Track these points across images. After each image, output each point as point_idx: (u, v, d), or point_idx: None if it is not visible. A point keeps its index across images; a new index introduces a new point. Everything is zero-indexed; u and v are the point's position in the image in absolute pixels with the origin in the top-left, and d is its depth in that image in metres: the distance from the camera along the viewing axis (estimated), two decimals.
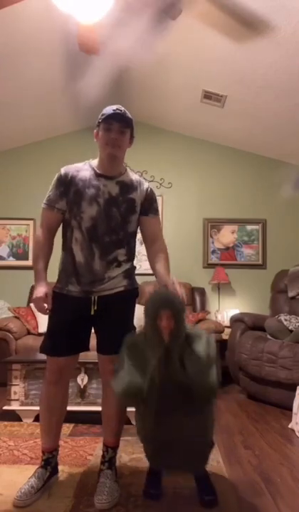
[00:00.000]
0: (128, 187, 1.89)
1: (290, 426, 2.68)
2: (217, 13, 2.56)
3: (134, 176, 1.96)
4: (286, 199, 4.57)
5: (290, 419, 2.72)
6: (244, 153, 4.79)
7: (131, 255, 1.93)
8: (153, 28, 2.66)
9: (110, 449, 1.88)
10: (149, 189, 1.96)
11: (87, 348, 1.89)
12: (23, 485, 1.76)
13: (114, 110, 1.80)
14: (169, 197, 4.74)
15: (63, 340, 1.83)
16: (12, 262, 4.73)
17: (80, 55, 2.83)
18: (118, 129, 1.81)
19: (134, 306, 1.95)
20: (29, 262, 4.70)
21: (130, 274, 1.92)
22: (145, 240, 1.97)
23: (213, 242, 4.73)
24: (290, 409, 2.73)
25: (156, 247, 1.95)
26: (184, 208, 4.77)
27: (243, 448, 2.35)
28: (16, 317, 3.97)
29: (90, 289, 1.83)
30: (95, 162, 1.92)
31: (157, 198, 2.06)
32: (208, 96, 3.84)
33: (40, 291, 1.83)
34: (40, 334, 3.85)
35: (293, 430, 2.61)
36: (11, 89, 3.72)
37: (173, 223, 4.71)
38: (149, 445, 1.76)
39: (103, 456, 1.89)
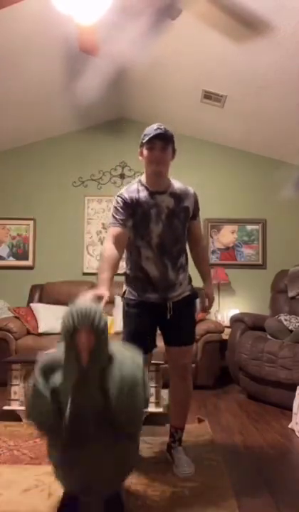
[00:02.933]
0: (180, 196, 2.06)
1: (290, 426, 2.68)
2: (217, 13, 2.56)
3: (178, 184, 2.12)
4: (286, 199, 4.56)
5: (290, 419, 2.72)
6: (244, 153, 4.78)
7: (187, 257, 2.15)
8: (152, 28, 2.66)
9: (179, 431, 2.15)
10: (195, 194, 2.15)
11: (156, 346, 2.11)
12: None
13: (155, 130, 1.94)
14: None
15: (147, 340, 2.03)
16: (12, 262, 4.73)
17: (79, 55, 2.83)
18: (160, 147, 1.96)
19: (196, 305, 2.24)
20: (29, 262, 4.72)
21: (190, 279, 2.16)
22: (190, 242, 2.19)
23: (213, 242, 4.73)
24: (290, 409, 2.73)
25: (199, 249, 2.23)
26: None
27: (243, 448, 2.35)
28: (16, 317, 3.97)
29: (166, 295, 2.03)
30: (143, 180, 2.06)
31: None
32: (208, 96, 3.84)
33: (100, 291, 1.77)
34: (40, 334, 3.85)
35: (293, 430, 2.61)
36: (10, 89, 3.72)
37: None
38: (61, 473, 1.55)
39: (173, 436, 2.14)
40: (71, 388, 1.37)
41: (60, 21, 2.74)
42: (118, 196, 2.02)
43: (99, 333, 1.36)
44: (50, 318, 3.93)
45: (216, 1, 2.47)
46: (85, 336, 1.34)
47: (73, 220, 4.76)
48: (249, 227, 4.72)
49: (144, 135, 1.97)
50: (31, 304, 4.24)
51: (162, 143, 1.95)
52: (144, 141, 1.96)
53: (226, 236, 4.73)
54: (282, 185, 4.47)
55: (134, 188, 2.03)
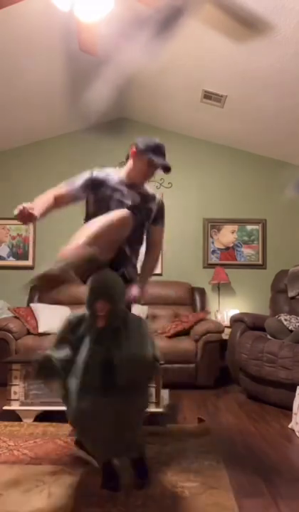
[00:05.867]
0: (147, 198, 2.19)
1: (290, 426, 2.68)
2: (217, 13, 2.56)
3: (150, 189, 2.25)
4: (286, 199, 4.57)
5: (290, 419, 2.72)
6: (244, 153, 4.79)
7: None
8: (158, 34, 2.66)
9: None
10: (161, 202, 2.26)
11: None
12: None
13: (164, 159, 2.10)
14: (169, 197, 4.70)
15: None
16: (12, 262, 4.73)
17: (80, 55, 2.83)
18: (158, 168, 2.12)
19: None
20: (29, 262, 4.72)
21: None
22: (147, 245, 2.29)
23: (213, 242, 4.73)
24: (290, 409, 2.73)
25: (151, 252, 2.30)
26: (184, 208, 4.76)
27: (243, 448, 2.35)
28: (16, 317, 3.97)
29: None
30: (123, 173, 2.20)
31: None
32: (208, 96, 3.84)
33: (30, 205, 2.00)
34: (40, 334, 3.85)
35: (293, 430, 2.61)
36: (10, 89, 3.72)
37: (173, 223, 4.69)
38: (80, 424, 1.78)
39: None
40: (91, 342, 1.71)
41: (61, 21, 2.74)
42: (90, 170, 2.18)
43: (113, 302, 1.69)
44: (50, 318, 3.93)
45: (216, 1, 2.47)
46: (101, 305, 1.68)
47: (73, 220, 4.74)
48: (249, 227, 4.73)
49: (154, 144, 2.09)
50: (31, 304, 4.24)
51: (161, 166, 2.09)
52: (148, 155, 2.06)
53: (226, 236, 4.73)
54: (282, 185, 4.48)
55: (108, 171, 2.19)
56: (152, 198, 2.21)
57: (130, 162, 2.17)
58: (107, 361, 1.68)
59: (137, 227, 2.06)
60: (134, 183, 2.16)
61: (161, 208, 2.25)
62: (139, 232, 2.15)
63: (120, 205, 2.06)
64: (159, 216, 2.25)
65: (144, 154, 2.08)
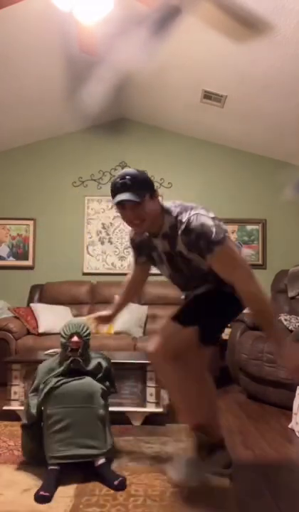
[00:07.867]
0: (171, 238, 1.76)
1: (290, 426, 2.68)
2: (217, 13, 2.56)
3: (170, 219, 1.74)
4: (286, 199, 4.57)
5: (290, 419, 2.72)
6: (244, 153, 4.79)
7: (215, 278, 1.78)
8: (155, 34, 2.66)
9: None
10: (188, 229, 1.67)
11: None
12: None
13: (117, 188, 1.67)
14: (169, 197, 4.68)
15: None
16: (12, 262, 4.73)
17: (80, 55, 2.83)
18: (129, 207, 1.69)
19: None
20: (29, 262, 4.72)
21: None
22: None
23: None
24: (290, 409, 2.73)
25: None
26: None
27: (243, 448, 2.35)
28: (16, 317, 3.97)
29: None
30: None
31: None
32: (208, 96, 3.84)
33: (104, 312, 2.25)
34: (40, 334, 3.85)
35: (293, 430, 2.61)
36: (10, 89, 3.72)
37: None
38: (52, 437, 1.96)
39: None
40: (65, 368, 2.10)
41: (61, 21, 2.75)
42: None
43: (84, 338, 2.14)
44: (50, 318, 3.93)
45: (216, 1, 2.47)
46: (76, 338, 2.12)
47: (73, 220, 4.76)
48: (249, 227, 4.73)
49: (111, 190, 1.71)
50: (31, 304, 4.24)
51: (129, 203, 1.66)
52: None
53: None
54: (282, 185, 4.47)
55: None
56: (175, 234, 1.73)
57: None
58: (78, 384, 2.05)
59: (188, 272, 1.82)
60: (150, 232, 1.83)
61: (188, 239, 1.68)
62: (194, 270, 1.80)
63: (161, 262, 1.88)
64: (195, 245, 1.67)
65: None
